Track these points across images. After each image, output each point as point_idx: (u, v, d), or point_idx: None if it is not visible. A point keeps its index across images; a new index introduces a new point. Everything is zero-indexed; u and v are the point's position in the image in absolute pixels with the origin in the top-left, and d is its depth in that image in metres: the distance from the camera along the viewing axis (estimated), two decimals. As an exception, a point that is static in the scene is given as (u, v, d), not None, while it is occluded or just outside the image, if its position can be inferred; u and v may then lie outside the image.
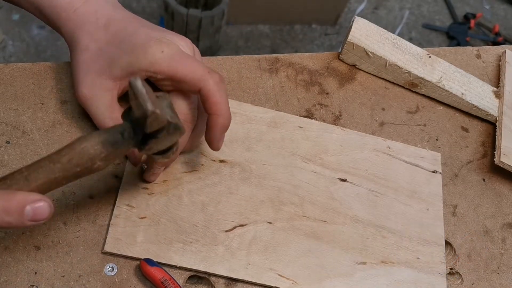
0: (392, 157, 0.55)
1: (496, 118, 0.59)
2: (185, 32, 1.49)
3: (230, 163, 0.51)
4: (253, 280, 0.46)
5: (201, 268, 0.45)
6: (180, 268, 0.45)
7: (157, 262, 0.44)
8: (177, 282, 0.43)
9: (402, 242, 0.50)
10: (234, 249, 0.47)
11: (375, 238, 0.50)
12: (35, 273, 0.43)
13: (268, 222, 0.48)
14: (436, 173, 0.55)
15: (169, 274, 0.43)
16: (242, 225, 0.48)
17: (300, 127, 0.54)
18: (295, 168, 0.52)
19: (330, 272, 0.47)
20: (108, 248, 0.44)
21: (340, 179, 0.52)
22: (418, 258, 0.50)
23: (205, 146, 0.50)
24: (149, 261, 0.44)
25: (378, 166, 0.54)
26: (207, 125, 0.45)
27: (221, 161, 0.51)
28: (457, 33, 1.88)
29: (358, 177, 0.53)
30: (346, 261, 0.48)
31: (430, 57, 0.59)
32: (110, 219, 0.46)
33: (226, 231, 0.47)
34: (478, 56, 0.65)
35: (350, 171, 0.53)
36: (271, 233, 0.48)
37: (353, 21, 0.59)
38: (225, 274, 0.45)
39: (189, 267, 0.45)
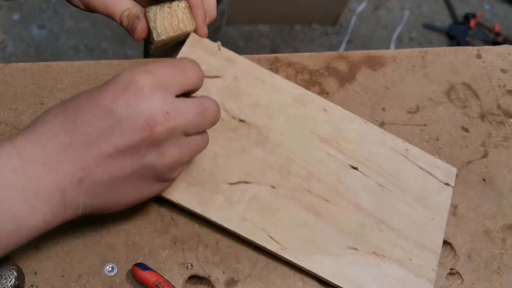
0: (407, 160, 0.54)
1: (496, 118, 0.59)
2: (185, 32, 1.49)
3: (249, 125, 0.51)
4: (244, 235, 0.46)
5: (198, 210, 0.46)
6: (178, 205, 0.46)
7: (162, 196, 0.45)
8: (171, 284, 0.43)
9: (398, 240, 0.50)
10: (233, 201, 0.47)
11: (373, 229, 0.50)
12: (35, 273, 0.43)
13: (272, 187, 0.49)
14: (448, 186, 0.54)
15: (163, 277, 0.43)
16: (246, 182, 0.49)
17: (324, 109, 0.54)
18: (310, 145, 0.52)
19: (320, 248, 0.48)
20: None
21: (352, 166, 0.52)
22: (410, 259, 0.49)
23: (229, 103, 0.51)
24: (141, 266, 0.43)
25: (392, 165, 0.54)
26: None
27: (241, 120, 0.51)
28: (457, 33, 1.87)
29: (370, 169, 0.53)
30: (339, 242, 0.49)
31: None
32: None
33: (230, 183, 0.48)
34: (478, 56, 0.65)
35: (364, 162, 0.53)
36: (272, 197, 0.49)
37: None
38: (218, 222, 0.46)
39: (186, 206, 0.46)
